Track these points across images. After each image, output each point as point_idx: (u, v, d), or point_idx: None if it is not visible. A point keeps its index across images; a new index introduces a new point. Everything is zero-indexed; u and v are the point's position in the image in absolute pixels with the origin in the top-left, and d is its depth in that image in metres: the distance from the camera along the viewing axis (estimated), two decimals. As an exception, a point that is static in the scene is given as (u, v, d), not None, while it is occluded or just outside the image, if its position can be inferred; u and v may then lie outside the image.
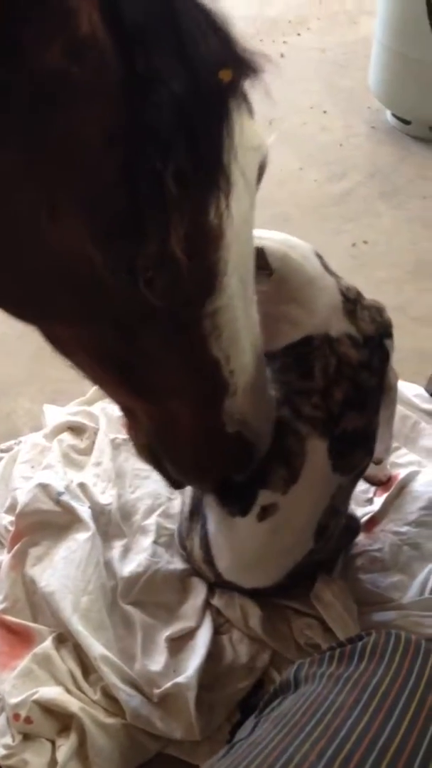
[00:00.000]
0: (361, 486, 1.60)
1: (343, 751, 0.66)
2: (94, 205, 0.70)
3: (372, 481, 1.59)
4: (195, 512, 1.31)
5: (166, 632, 1.34)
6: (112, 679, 1.26)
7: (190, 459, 1.11)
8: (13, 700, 1.23)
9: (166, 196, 0.70)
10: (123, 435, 1.64)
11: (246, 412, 1.04)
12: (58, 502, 1.49)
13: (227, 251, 0.83)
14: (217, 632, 1.35)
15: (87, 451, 1.65)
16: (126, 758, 1.23)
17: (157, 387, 0.96)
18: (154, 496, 1.53)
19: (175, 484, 1.23)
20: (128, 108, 0.66)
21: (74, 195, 0.70)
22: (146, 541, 1.46)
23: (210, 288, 0.85)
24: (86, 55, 0.62)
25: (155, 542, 1.46)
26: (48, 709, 1.24)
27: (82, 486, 1.54)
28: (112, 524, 1.50)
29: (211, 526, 1.28)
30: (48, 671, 1.29)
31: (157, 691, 1.25)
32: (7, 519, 1.53)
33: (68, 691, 1.27)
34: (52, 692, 1.25)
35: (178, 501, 1.48)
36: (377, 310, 1.24)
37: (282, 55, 3.32)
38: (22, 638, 1.34)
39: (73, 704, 1.23)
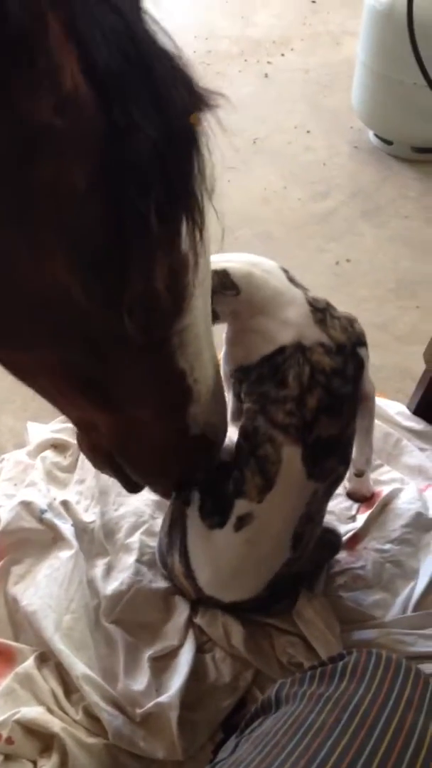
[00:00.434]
0: (344, 503, 1.61)
1: (323, 770, 0.66)
2: (78, 244, 0.73)
3: (355, 498, 1.61)
4: (173, 528, 1.32)
5: (149, 651, 1.33)
6: (95, 698, 1.25)
7: (155, 462, 1.17)
8: (-5, 720, 1.23)
9: (149, 233, 0.73)
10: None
11: (209, 415, 1.11)
12: (41, 520, 1.49)
13: (195, 274, 0.88)
14: (199, 651, 1.35)
15: (70, 469, 1.65)
16: (108, 779, 1.22)
17: (125, 399, 1.00)
18: (137, 513, 1.53)
19: (134, 487, 1.26)
20: (109, 154, 0.69)
21: (58, 235, 0.72)
22: (129, 560, 1.45)
23: (180, 309, 0.89)
24: (70, 109, 0.65)
25: (138, 560, 1.45)
26: (30, 729, 1.23)
27: (65, 504, 1.54)
28: (95, 542, 1.49)
29: (190, 540, 1.29)
30: (30, 691, 1.28)
31: (139, 710, 1.25)
32: (-11, 537, 1.51)
33: (50, 710, 1.26)
34: (33, 712, 1.24)
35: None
36: (348, 321, 1.26)
37: (266, 75, 3.37)
38: (4, 657, 1.34)
39: (55, 724, 1.22)
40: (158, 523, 1.50)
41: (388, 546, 1.50)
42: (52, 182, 0.69)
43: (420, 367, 1.74)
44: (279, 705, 0.81)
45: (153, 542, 1.48)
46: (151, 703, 1.25)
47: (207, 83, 0.76)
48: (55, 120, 0.64)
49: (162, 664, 1.33)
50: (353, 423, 1.29)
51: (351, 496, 1.61)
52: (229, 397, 1.34)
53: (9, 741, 1.20)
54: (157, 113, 0.70)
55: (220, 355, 1.30)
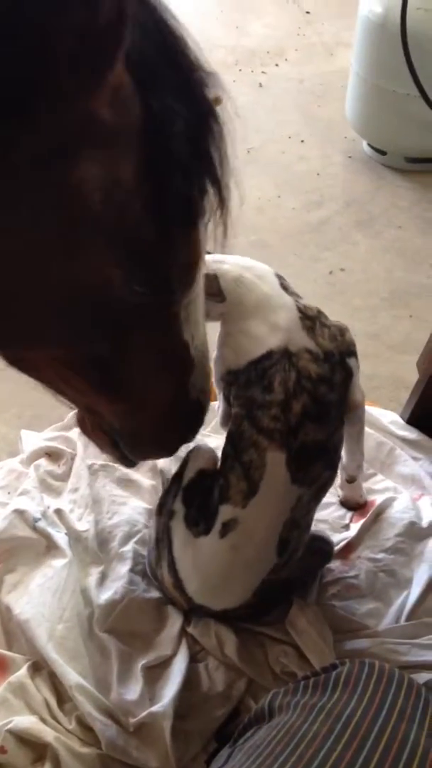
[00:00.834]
0: (338, 512, 1.61)
1: (316, 781, 0.66)
2: (124, 235, 0.76)
3: (348, 505, 1.61)
4: (161, 539, 1.32)
5: (142, 661, 1.33)
6: (88, 708, 1.25)
7: (154, 434, 1.18)
8: (-13, 730, 1.22)
9: (193, 212, 0.80)
10: (100, 461, 1.64)
11: (202, 381, 1.13)
12: (34, 529, 1.49)
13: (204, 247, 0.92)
14: (193, 660, 1.34)
15: (64, 477, 1.65)
16: (101, 788, 1.22)
17: (135, 380, 1.02)
18: (131, 522, 1.53)
19: (128, 462, 1.27)
20: (150, 143, 0.72)
21: (103, 230, 0.74)
22: (123, 569, 1.45)
23: (193, 282, 0.93)
24: (117, 101, 0.67)
25: (132, 570, 1.45)
26: (22, 738, 1.22)
27: (59, 512, 1.54)
28: (88, 551, 1.49)
29: (177, 550, 1.29)
30: (23, 700, 1.27)
31: (132, 720, 1.24)
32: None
33: (43, 720, 1.25)
34: (26, 721, 1.23)
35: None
36: (339, 330, 1.28)
37: (260, 85, 3.38)
38: (-3, 667, 1.33)
39: (48, 734, 1.22)
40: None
41: (381, 555, 1.50)
42: (100, 177, 0.70)
43: (413, 376, 1.75)
44: (272, 715, 0.81)
45: (146, 552, 1.48)
46: (145, 713, 1.25)
47: (213, 73, 0.80)
48: (105, 112, 0.66)
49: (155, 673, 1.33)
50: (340, 430, 1.30)
51: (344, 503, 1.61)
52: (220, 401, 1.35)
53: (2, 750, 1.20)
54: (186, 98, 0.74)
55: (212, 358, 1.31)
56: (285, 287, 1.29)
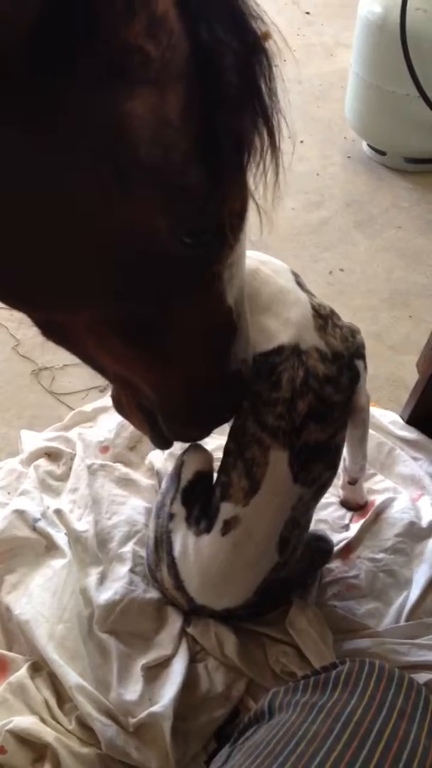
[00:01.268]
0: (338, 512, 1.61)
1: (316, 780, 0.66)
2: (171, 178, 0.74)
3: (348, 506, 1.61)
4: (159, 543, 1.32)
5: (142, 661, 1.33)
6: (88, 708, 1.25)
7: (198, 407, 1.15)
8: (-13, 730, 1.22)
9: (246, 149, 0.77)
10: (100, 461, 1.64)
11: (244, 351, 1.12)
12: (34, 529, 1.49)
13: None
14: (192, 660, 1.34)
15: (64, 477, 1.65)
16: (101, 789, 1.22)
17: (179, 344, 1.00)
18: (130, 523, 1.53)
19: (166, 443, 1.26)
20: (197, 78, 0.70)
21: (151, 175, 0.72)
22: (123, 570, 1.45)
23: (239, 236, 0.90)
24: (161, 33, 0.65)
25: (132, 570, 1.45)
26: (22, 738, 1.22)
27: (59, 512, 1.53)
28: (88, 551, 1.49)
29: (177, 551, 1.29)
30: (23, 700, 1.27)
31: (132, 720, 1.24)
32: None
33: (43, 720, 1.25)
34: (26, 722, 1.23)
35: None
36: (350, 331, 1.27)
37: (260, 86, 3.37)
38: (-3, 667, 1.33)
39: (48, 734, 1.22)
40: (151, 532, 1.50)
41: (381, 555, 1.50)
42: (147, 116, 0.68)
43: (413, 376, 1.75)
44: (272, 714, 0.81)
45: (145, 553, 1.48)
46: (144, 713, 1.25)
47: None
48: (147, 44, 0.65)
49: (155, 673, 1.33)
50: (342, 431, 1.30)
51: (344, 504, 1.61)
52: None
53: (2, 750, 1.20)
54: (237, 31, 0.72)
55: None
56: (300, 284, 1.28)
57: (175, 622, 1.38)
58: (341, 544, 1.52)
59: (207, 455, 1.34)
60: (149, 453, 1.69)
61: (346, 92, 2.88)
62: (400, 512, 1.58)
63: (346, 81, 2.87)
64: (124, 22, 0.62)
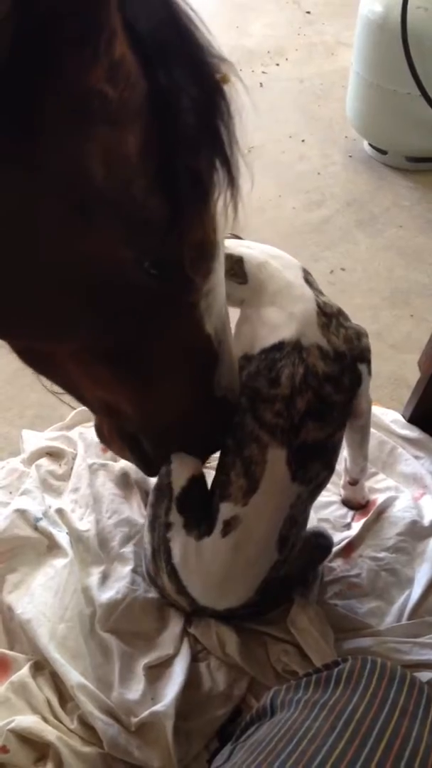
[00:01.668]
0: (340, 511, 1.61)
1: (318, 778, 0.66)
2: (131, 211, 0.77)
3: (350, 505, 1.61)
4: (157, 551, 1.30)
5: (144, 660, 1.33)
6: (89, 707, 1.25)
7: (182, 434, 1.19)
8: (-11, 729, 1.22)
9: (202, 187, 0.80)
10: (101, 460, 1.64)
11: (229, 377, 1.14)
12: (36, 528, 1.49)
13: (219, 235, 0.92)
14: (194, 660, 1.34)
15: (65, 477, 1.65)
16: (103, 788, 1.22)
17: (159, 371, 1.02)
18: (131, 522, 1.53)
19: (154, 469, 1.28)
20: (154, 119, 0.73)
21: (111, 209, 0.75)
22: (125, 569, 1.45)
23: (210, 269, 0.93)
24: (119, 76, 0.68)
25: (134, 570, 1.45)
26: (24, 738, 1.22)
27: (60, 512, 1.53)
28: (90, 551, 1.49)
29: (177, 557, 1.27)
30: (24, 699, 1.27)
31: (134, 719, 1.24)
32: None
33: (45, 719, 1.25)
34: (28, 721, 1.23)
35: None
36: (356, 333, 1.26)
37: (261, 85, 3.38)
38: (-2, 666, 1.33)
39: (50, 733, 1.22)
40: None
41: (383, 554, 1.50)
42: (105, 154, 0.71)
43: (414, 375, 1.74)
44: (274, 712, 0.81)
45: (143, 561, 1.47)
46: (146, 712, 1.25)
47: (219, 54, 0.81)
48: (106, 87, 0.67)
49: (157, 673, 1.33)
50: (341, 431, 1.30)
51: (346, 503, 1.61)
52: None
53: (3, 750, 1.20)
54: (194, 75, 0.75)
55: None
56: (309, 282, 1.28)
57: (176, 621, 1.38)
58: (343, 543, 1.52)
59: (194, 459, 1.30)
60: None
61: (347, 91, 2.88)
62: (401, 511, 1.57)
63: (347, 80, 2.87)
64: (87, 69, 0.65)
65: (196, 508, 1.27)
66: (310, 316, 1.22)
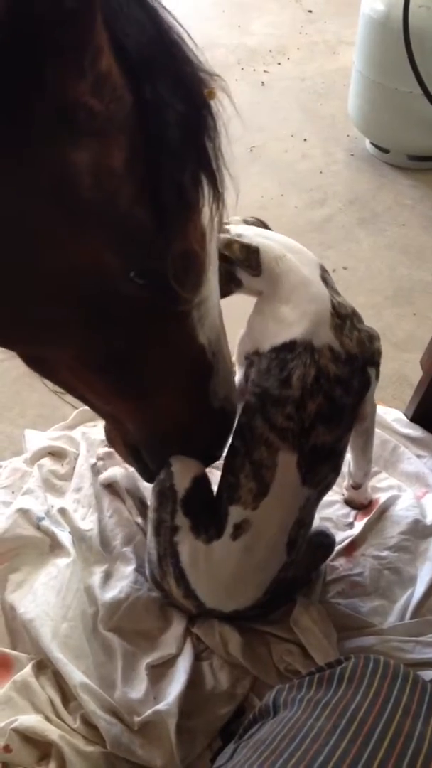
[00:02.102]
0: (342, 510, 1.61)
1: (321, 776, 0.66)
2: (117, 220, 0.78)
3: (353, 505, 1.61)
4: (163, 556, 1.28)
5: (147, 660, 1.33)
6: (92, 706, 1.25)
7: (176, 443, 1.19)
8: (-8, 729, 1.22)
9: (185, 199, 0.81)
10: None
11: (226, 388, 1.14)
12: (38, 528, 1.49)
13: (211, 245, 0.93)
14: (197, 659, 1.34)
15: (67, 477, 1.65)
16: (106, 787, 1.22)
17: (152, 382, 1.03)
18: (133, 522, 1.53)
19: (150, 475, 1.28)
20: (140, 132, 0.75)
21: (98, 217, 0.77)
22: (128, 568, 1.45)
23: (201, 281, 0.94)
24: (104, 90, 0.69)
25: (136, 569, 1.45)
26: (27, 737, 1.22)
27: (63, 511, 1.54)
28: (92, 550, 1.49)
29: (185, 561, 1.26)
30: (27, 699, 1.27)
31: (137, 718, 1.24)
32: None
33: (48, 719, 1.25)
34: (31, 720, 1.23)
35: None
36: (368, 336, 1.26)
37: (263, 84, 3.38)
38: (1, 665, 1.33)
39: (53, 732, 1.22)
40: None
41: (385, 553, 1.50)
42: (92, 164, 0.72)
43: (417, 374, 1.74)
44: (277, 711, 0.81)
45: (146, 567, 1.47)
46: (149, 711, 1.25)
47: (209, 70, 0.83)
48: (92, 100, 0.69)
49: (160, 672, 1.33)
50: (348, 434, 1.29)
51: (349, 503, 1.61)
52: (239, 377, 1.34)
53: (7, 749, 1.20)
54: (181, 90, 0.77)
55: (239, 336, 1.32)
56: (326, 280, 1.26)
57: (180, 621, 1.38)
58: (345, 542, 1.52)
59: (195, 461, 1.28)
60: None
61: (349, 90, 2.88)
62: (404, 510, 1.57)
63: (349, 79, 2.87)
64: (73, 82, 0.67)
65: (202, 510, 1.26)
66: (324, 316, 1.21)
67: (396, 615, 1.41)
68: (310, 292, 1.22)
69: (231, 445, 1.26)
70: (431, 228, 2.56)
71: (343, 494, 1.61)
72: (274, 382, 1.19)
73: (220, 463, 1.30)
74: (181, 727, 1.23)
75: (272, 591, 1.27)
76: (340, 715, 0.73)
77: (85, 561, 1.47)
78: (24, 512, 1.50)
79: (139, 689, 1.29)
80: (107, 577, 1.45)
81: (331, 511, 1.59)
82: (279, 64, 3.55)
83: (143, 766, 1.23)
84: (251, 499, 1.22)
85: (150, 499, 1.32)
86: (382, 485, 1.65)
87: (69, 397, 1.13)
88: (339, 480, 1.56)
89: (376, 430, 1.65)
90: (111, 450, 1.62)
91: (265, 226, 1.36)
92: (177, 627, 1.38)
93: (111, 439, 1.28)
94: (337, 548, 1.48)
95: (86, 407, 1.19)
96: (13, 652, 1.35)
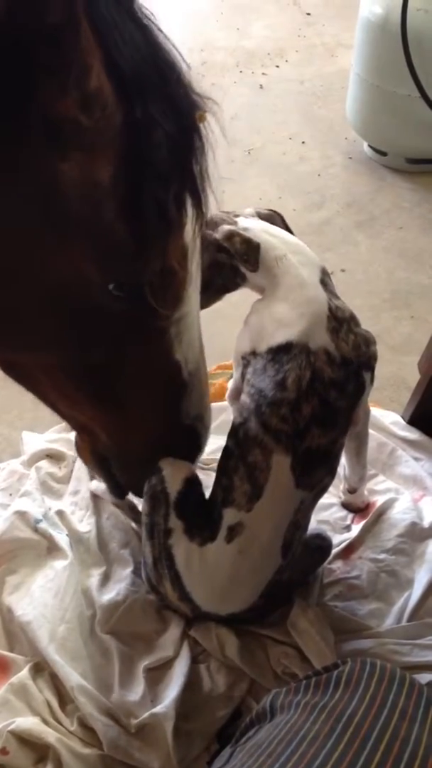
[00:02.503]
0: (339, 513, 1.61)
1: (317, 780, 0.66)
2: (99, 233, 0.79)
3: (350, 508, 1.61)
4: (158, 559, 1.28)
5: (144, 662, 1.33)
6: (89, 709, 1.24)
7: (145, 457, 1.20)
8: (-11, 731, 1.22)
9: (167, 218, 0.83)
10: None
11: (199, 407, 1.15)
12: (35, 530, 1.49)
13: (191, 264, 0.94)
14: (194, 661, 1.34)
15: (65, 479, 1.65)
16: (103, 790, 1.21)
17: (126, 394, 1.04)
18: (129, 526, 1.53)
19: (121, 492, 1.30)
20: (129, 149, 0.76)
21: (80, 227, 0.78)
22: (125, 571, 1.45)
23: (180, 297, 0.95)
24: (93, 107, 0.71)
25: (134, 572, 1.45)
26: (24, 739, 1.22)
27: (60, 513, 1.54)
28: (90, 552, 1.49)
29: (180, 564, 1.26)
30: (24, 701, 1.27)
31: (134, 721, 1.24)
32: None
33: (45, 721, 1.25)
34: (28, 722, 1.23)
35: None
36: (365, 340, 1.26)
37: (261, 87, 3.38)
38: (-2, 668, 1.33)
39: (50, 735, 1.22)
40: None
41: (382, 556, 1.50)
42: (78, 176, 0.74)
43: (414, 376, 1.74)
44: (274, 714, 0.81)
45: (142, 571, 1.46)
46: (146, 714, 1.24)
47: (202, 93, 0.85)
48: (80, 116, 0.70)
49: (157, 674, 1.32)
50: (343, 437, 1.29)
51: (346, 506, 1.61)
52: (236, 377, 1.35)
53: (3, 752, 1.20)
54: (171, 111, 0.78)
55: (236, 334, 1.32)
56: (325, 283, 1.26)
57: (177, 623, 1.38)
58: (343, 545, 1.52)
59: (185, 462, 1.27)
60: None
61: (347, 93, 2.89)
62: (401, 513, 1.57)
63: (347, 81, 2.88)
64: (58, 98, 0.68)
65: (195, 511, 1.26)
66: (320, 318, 1.21)
67: (393, 618, 1.41)
68: (308, 295, 1.22)
69: (225, 447, 1.26)
70: (429, 231, 2.57)
71: (340, 497, 1.61)
72: (270, 383, 1.20)
73: (215, 465, 1.30)
74: (178, 730, 1.23)
75: (268, 594, 1.27)
76: (336, 719, 0.73)
77: (82, 563, 1.47)
78: (21, 514, 1.50)
79: (136, 692, 1.29)
80: (105, 579, 1.45)
81: (328, 514, 1.59)
82: (277, 66, 3.56)
83: (140, 768, 1.23)
84: (245, 501, 1.21)
85: (142, 504, 1.31)
86: (379, 488, 1.65)
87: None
88: (336, 483, 1.56)
89: (374, 432, 1.66)
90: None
91: (280, 217, 1.37)
92: (174, 629, 1.38)
93: (79, 449, 1.28)
94: (334, 551, 1.47)
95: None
96: (10, 654, 1.34)
